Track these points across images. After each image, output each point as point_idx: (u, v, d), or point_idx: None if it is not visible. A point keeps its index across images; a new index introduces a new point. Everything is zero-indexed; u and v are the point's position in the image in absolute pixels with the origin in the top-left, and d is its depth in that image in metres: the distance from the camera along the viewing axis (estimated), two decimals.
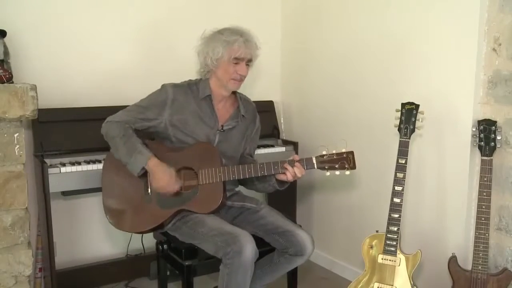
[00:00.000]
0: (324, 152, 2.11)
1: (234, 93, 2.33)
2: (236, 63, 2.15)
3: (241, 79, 2.20)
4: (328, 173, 2.11)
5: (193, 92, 2.23)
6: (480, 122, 2.16)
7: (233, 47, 2.13)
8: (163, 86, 2.23)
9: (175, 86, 2.22)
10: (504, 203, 2.23)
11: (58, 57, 2.66)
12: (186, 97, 2.21)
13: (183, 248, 2.14)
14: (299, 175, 2.10)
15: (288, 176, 2.10)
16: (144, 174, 2.16)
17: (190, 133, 2.20)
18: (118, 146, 2.15)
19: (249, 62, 2.19)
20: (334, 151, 2.10)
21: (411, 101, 2.20)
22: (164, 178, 2.10)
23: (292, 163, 2.10)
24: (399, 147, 2.20)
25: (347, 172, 2.10)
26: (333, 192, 3.07)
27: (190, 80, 2.29)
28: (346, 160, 2.08)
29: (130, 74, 2.85)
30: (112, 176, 2.23)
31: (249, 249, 1.95)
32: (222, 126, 2.25)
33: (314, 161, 2.10)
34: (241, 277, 1.97)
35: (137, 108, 2.21)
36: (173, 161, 2.17)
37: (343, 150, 2.09)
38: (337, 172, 2.10)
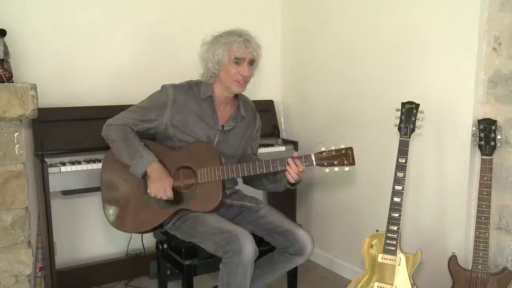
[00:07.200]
0: (323, 149, 2.09)
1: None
2: (237, 64, 2.13)
3: (245, 81, 2.17)
4: (327, 170, 2.10)
5: (193, 92, 2.23)
6: (480, 122, 2.16)
7: (232, 48, 2.11)
8: (163, 86, 2.22)
9: (175, 86, 2.22)
10: (504, 202, 2.22)
11: (58, 56, 2.66)
12: (186, 97, 2.21)
13: (183, 248, 2.14)
14: (300, 170, 2.08)
15: (292, 174, 2.08)
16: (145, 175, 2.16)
17: (191, 132, 2.19)
18: (120, 150, 2.15)
19: (251, 62, 2.17)
20: (333, 147, 2.08)
21: (411, 100, 2.20)
22: (159, 181, 2.08)
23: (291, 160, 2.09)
24: (399, 146, 2.19)
25: (346, 168, 2.08)
26: (333, 191, 3.07)
27: (190, 80, 2.28)
28: (345, 156, 2.07)
29: (130, 73, 2.85)
30: (111, 176, 2.23)
31: (249, 247, 1.95)
32: (223, 126, 2.24)
33: (313, 158, 2.09)
34: (241, 276, 1.97)
35: (138, 109, 2.21)
36: (172, 160, 2.17)
37: (342, 146, 2.08)
38: (336, 169, 2.08)
